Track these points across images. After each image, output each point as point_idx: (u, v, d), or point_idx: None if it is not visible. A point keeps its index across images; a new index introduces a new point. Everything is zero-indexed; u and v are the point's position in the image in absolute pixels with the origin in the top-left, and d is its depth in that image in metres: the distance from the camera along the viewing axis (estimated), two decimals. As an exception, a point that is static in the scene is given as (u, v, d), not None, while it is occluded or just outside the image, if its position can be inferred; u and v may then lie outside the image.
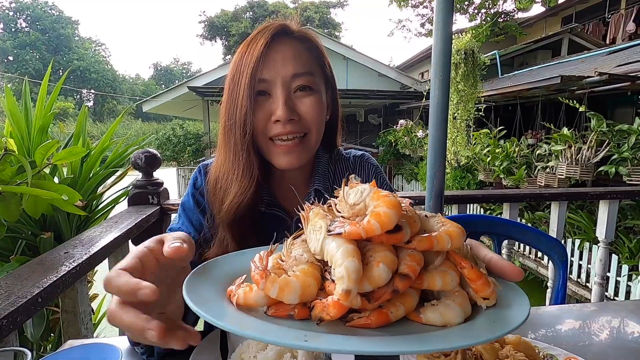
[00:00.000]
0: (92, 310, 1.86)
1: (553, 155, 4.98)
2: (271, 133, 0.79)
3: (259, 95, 0.78)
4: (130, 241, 1.59)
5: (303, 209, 0.50)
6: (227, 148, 0.81)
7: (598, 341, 0.78)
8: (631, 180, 4.16)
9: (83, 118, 1.88)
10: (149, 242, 0.50)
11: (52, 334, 1.57)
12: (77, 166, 1.77)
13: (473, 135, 6.48)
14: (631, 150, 4.14)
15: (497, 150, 5.84)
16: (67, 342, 0.77)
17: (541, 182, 5.11)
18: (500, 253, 1.42)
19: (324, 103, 0.84)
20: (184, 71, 58.08)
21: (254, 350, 0.62)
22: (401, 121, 9.72)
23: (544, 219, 5.24)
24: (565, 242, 4.64)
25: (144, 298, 0.41)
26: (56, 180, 1.71)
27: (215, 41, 37.72)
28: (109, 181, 1.93)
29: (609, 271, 3.96)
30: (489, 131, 6.26)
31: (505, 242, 2.13)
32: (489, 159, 5.99)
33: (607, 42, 10.46)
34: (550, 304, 1.74)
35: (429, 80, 1.77)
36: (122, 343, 0.77)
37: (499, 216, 2.28)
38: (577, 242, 4.53)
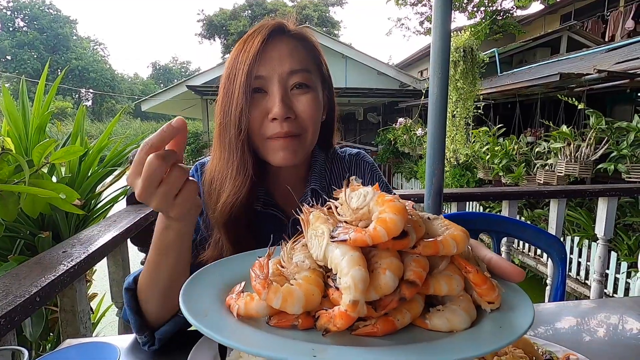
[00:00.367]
0: (91, 309, 1.86)
1: (552, 152, 4.99)
2: (268, 133, 0.78)
3: (255, 92, 0.77)
4: (129, 240, 1.59)
5: (301, 211, 0.49)
6: (222, 147, 0.80)
7: (597, 338, 0.78)
8: (630, 178, 4.17)
9: (81, 117, 1.88)
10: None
11: (51, 334, 1.57)
12: (75, 165, 1.77)
13: (472, 133, 6.48)
14: (630, 148, 4.14)
15: (496, 148, 5.85)
16: (66, 341, 0.77)
17: (540, 180, 5.12)
18: (499, 251, 1.42)
19: (320, 101, 0.84)
20: (183, 70, 57.98)
21: (253, 349, 0.62)
22: (400, 119, 9.71)
23: (543, 217, 5.25)
24: (564, 239, 4.65)
25: (173, 124, 0.52)
26: (54, 179, 1.71)
27: (214, 40, 37.64)
28: (108, 180, 1.92)
29: (608, 268, 3.97)
30: (488, 129, 6.26)
31: (505, 239, 2.13)
32: (488, 156, 5.99)
33: (606, 39, 10.45)
34: (549, 301, 1.74)
35: (428, 78, 1.77)
36: (121, 342, 0.76)
37: (498, 214, 2.29)
38: (577, 239, 4.53)
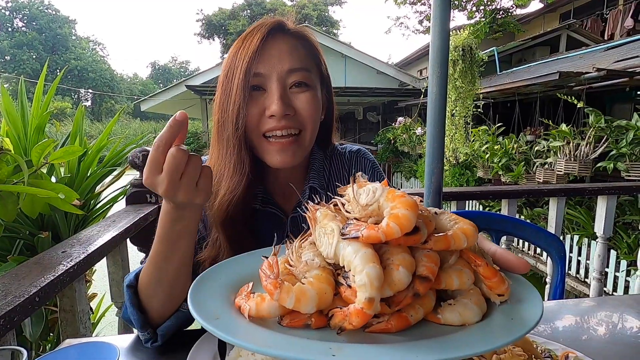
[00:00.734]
0: (91, 309, 1.86)
1: (551, 151, 4.99)
2: (265, 128, 0.77)
3: (254, 90, 0.77)
4: (128, 240, 1.59)
5: (302, 210, 0.49)
6: (219, 144, 0.80)
7: (596, 336, 0.78)
8: (629, 176, 4.17)
9: (80, 117, 1.88)
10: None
11: (51, 334, 1.57)
12: (74, 165, 1.77)
13: (471, 132, 6.48)
14: (629, 146, 4.14)
15: (495, 147, 5.85)
16: (65, 341, 0.77)
17: (540, 179, 5.12)
18: (498, 249, 1.42)
19: (319, 100, 0.83)
20: (182, 70, 57.93)
21: (253, 347, 0.62)
22: (400, 119, 9.72)
23: (543, 215, 5.25)
24: (564, 238, 4.65)
25: (177, 118, 0.54)
26: (53, 179, 1.70)
27: (213, 40, 37.58)
28: (107, 180, 1.92)
29: (607, 266, 3.97)
30: (487, 128, 6.26)
31: (504, 238, 2.13)
32: (487, 155, 5.99)
33: (605, 38, 10.45)
34: (548, 299, 1.74)
35: (428, 77, 1.76)
36: (121, 342, 0.76)
37: (497, 212, 2.29)
38: (576, 238, 4.54)
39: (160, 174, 0.55)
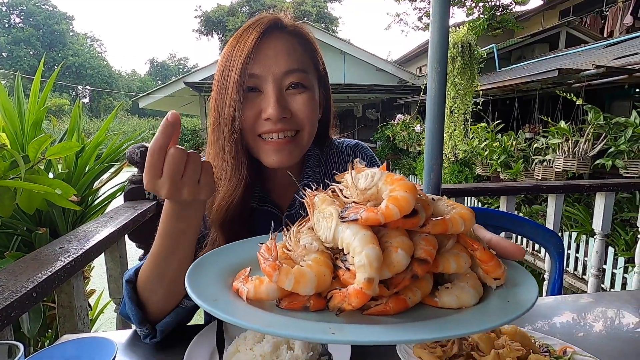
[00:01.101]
0: (89, 305, 1.86)
1: (550, 148, 4.99)
2: (261, 130, 0.76)
3: (249, 91, 0.76)
4: (126, 236, 1.58)
5: (303, 196, 0.49)
6: (216, 146, 0.79)
7: (594, 331, 0.78)
8: (627, 173, 4.18)
9: (77, 113, 1.87)
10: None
11: (49, 330, 1.57)
12: (71, 161, 1.76)
13: (471, 129, 6.48)
14: (628, 143, 4.15)
15: (494, 144, 5.85)
16: (63, 337, 0.77)
17: (538, 176, 5.13)
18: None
19: (316, 100, 0.82)
20: (181, 67, 57.71)
21: (251, 342, 0.62)
22: (399, 115, 9.70)
23: (541, 212, 5.27)
24: (562, 234, 4.66)
25: (170, 120, 0.53)
26: (51, 175, 1.70)
27: (212, 36, 37.40)
28: (105, 176, 1.92)
29: (605, 263, 3.98)
30: (486, 125, 6.26)
31: (502, 234, 2.14)
32: (486, 152, 5.99)
33: (605, 35, 10.44)
34: (546, 296, 1.75)
35: (427, 74, 1.76)
36: (118, 337, 0.76)
37: (496, 209, 2.29)
38: (574, 234, 4.55)
39: (160, 177, 0.55)
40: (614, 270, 4.01)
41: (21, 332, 1.31)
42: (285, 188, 0.89)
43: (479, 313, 0.40)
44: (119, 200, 1.86)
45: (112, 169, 1.95)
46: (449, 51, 5.91)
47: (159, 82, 49.07)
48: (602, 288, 4.04)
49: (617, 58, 5.84)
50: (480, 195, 4.17)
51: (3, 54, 39.84)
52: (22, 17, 42.13)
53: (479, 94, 6.58)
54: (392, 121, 10.06)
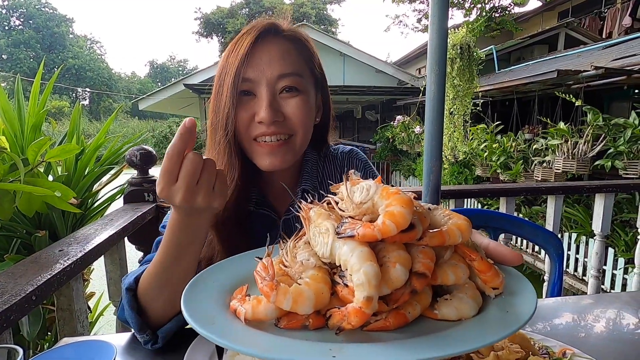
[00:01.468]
0: (89, 308, 1.85)
1: (550, 149, 4.99)
2: (254, 133, 0.77)
3: (244, 95, 0.77)
4: (126, 239, 1.59)
5: (299, 208, 0.48)
6: (212, 148, 0.80)
7: (594, 333, 0.78)
8: (627, 174, 4.18)
9: (77, 115, 1.87)
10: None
11: (49, 333, 1.56)
12: (71, 164, 1.76)
13: (470, 130, 6.48)
14: (627, 144, 4.15)
15: (494, 146, 5.85)
16: (62, 340, 0.77)
17: (538, 177, 5.13)
18: (496, 247, 1.42)
19: (311, 104, 0.82)
20: (180, 69, 57.79)
21: (250, 345, 0.62)
22: (398, 117, 9.71)
23: (541, 214, 5.26)
24: (562, 236, 4.66)
25: (188, 125, 0.53)
26: (50, 178, 1.70)
27: (212, 38, 37.47)
28: (105, 179, 1.92)
29: (605, 264, 3.98)
30: (486, 126, 6.27)
31: (502, 236, 2.14)
32: (486, 154, 6.00)
33: (604, 36, 10.46)
34: (546, 297, 1.74)
35: (426, 75, 1.76)
36: (118, 340, 0.76)
37: (496, 210, 2.29)
38: (574, 235, 4.55)
39: (175, 183, 0.55)
40: (614, 271, 4.01)
41: (21, 335, 1.31)
42: (282, 192, 0.89)
43: (479, 327, 0.40)
44: (119, 203, 1.86)
45: (112, 172, 1.95)
46: (448, 53, 5.92)
47: (159, 84, 49.15)
48: (602, 289, 4.04)
49: (616, 59, 5.85)
50: (480, 197, 4.16)
51: (3, 56, 39.90)
52: (22, 20, 42.21)
53: (478, 95, 6.58)
54: (392, 122, 10.06)
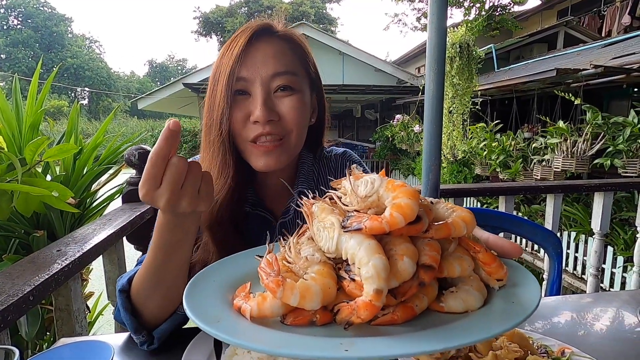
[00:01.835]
0: (88, 308, 1.85)
1: (549, 148, 5.00)
2: (251, 135, 0.77)
3: (239, 94, 0.76)
4: (124, 238, 1.58)
5: (300, 205, 0.48)
6: (206, 148, 0.80)
7: (593, 332, 0.78)
8: (626, 172, 4.18)
9: (75, 115, 1.86)
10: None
11: (47, 333, 1.56)
12: (69, 163, 1.75)
13: (469, 129, 6.48)
14: (626, 143, 4.15)
15: (493, 144, 5.85)
16: (60, 340, 0.77)
17: (537, 176, 5.13)
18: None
19: (306, 104, 0.82)
20: (179, 68, 57.73)
21: (248, 345, 0.61)
22: (398, 116, 9.71)
23: (540, 212, 5.27)
24: (561, 234, 4.67)
25: (172, 127, 0.51)
26: (49, 177, 1.69)
27: (211, 37, 37.41)
28: (103, 178, 1.91)
29: (604, 263, 3.99)
30: (485, 125, 6.26)
31: (501, 235, 2.14)
32: (485, 152, 6.00)
33: (603, 34, 10.45)
34: (545, 296, 1.75)
35: (425, 74, 1.76)
36: (115, 340, 0.76)
37: (495, 209, 2.29)
38: (573, 234, 4.55)
39: (158, 188, 0.53)
40: (613, 270, 4.02)
41: (19, 335, 1.31)
42: (278, 194, 0.89)
43: (485, 317, 0.40)
44: (117, 202, 1.86)
45: (111, 171, 1.95)
46: (447, 51, 5.92)
47: (158, 83, 49.06)
48: (602, 287, 4.04)
49: (615, 58, 5.85)
50: (479, 196, 4.17)
51: (1, 55, 39.82)
52: (20, 19, 42.11)
53: (477, 94, 6.58)
54: (391, 121, 10.06)
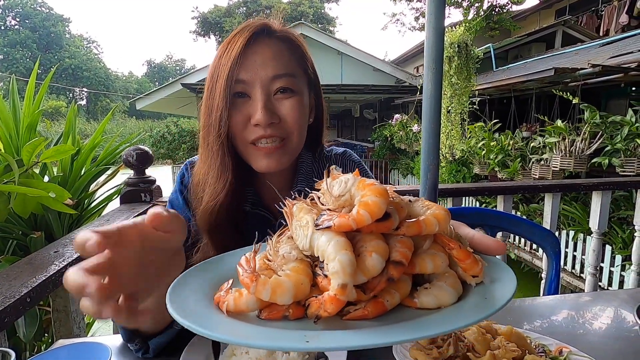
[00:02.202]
0: (86, 309, 1.84)
1: (547, 147, 5.00)
2: (251, 138, 0.76)
3: (238, 97, 0.76)
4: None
5: (283, 205, 0.49)
6: (205, 149, 0.79)
7: (591, 330, 0.78)
8: (624, 172, 4.19)
9: (72, 116, 1.86)
10: (136, 218, 0.44)
11: (45, 334, 1.56)
12: (67, 164, 1.75)
13: (468, 128, 6.49)
14: (624, 142, 4.16)
15: (491, 144, 5.86)
16: (58, 342, 0.76)
17: (536, 175, 5.14)
18: (494, 245, 1.42)
19: (305, 105, 0.82)
20: (178, 68, 57.63)
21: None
22: (396, 115, 9.71)
23: (539, 211, 5.28)
24: (559, 233, 4.68)
25: (89, 247, 0.37)
26: (46, 179, 1.69)
27: (209, 37, 37.35)
28: (101, 179, 1.91)
29: (602, 261, 4.00)
30: (483, 124, 6.27)
31: (499, 234, 2.14)
32: (483, 152, 6.01)
33: (601, 34, 10.47)
34: (544, 295, 1.75)
35: (423, 74, 1.76)
36: (113, 341, 0.76)
37: (494, 209, 2.29)
38: (571, 233, 4.56)
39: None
40: (612, 269, 4.03)
41: (17, 337, 1.30)
42: (279, 193, 0.89)
43: (455, 311, 0.40)
44: (116, 203, 1.85)
45: (109, 172, 1.94)
46: (446, 51, 5.92)
47: (157, 83, 48.99)
48: (600, 286, 4.05)
49: (613, 57, 5.87)
50: (478, 195, 4.16)
51: (-1, 56, 39.74)
52: (18, 19, 41.99)
53: (475, 93, 6.59)
54: (390, 121, 10.06)
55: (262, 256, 0.47)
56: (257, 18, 0.82)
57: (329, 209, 0.44)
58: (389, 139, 10.16)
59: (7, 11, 41.41)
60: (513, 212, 4.68)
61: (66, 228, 1.71)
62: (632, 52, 5.59)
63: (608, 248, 4.04)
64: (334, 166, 0.50)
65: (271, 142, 0.77)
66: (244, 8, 35.30)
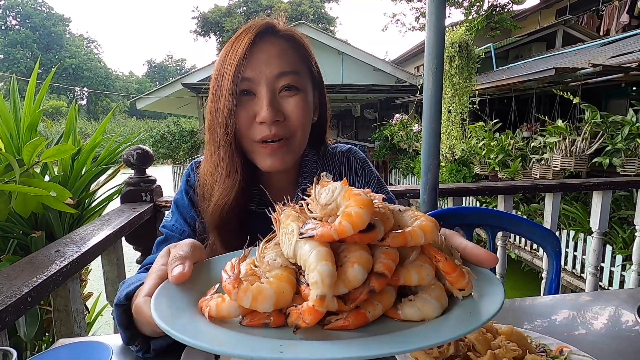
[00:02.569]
0: (87, 308, 1.85)
1: (548, 147, 5.00)
2: (257, 137, 0.77)
3: (243, 95, 0.77)
4: (123, 239, 1.58)
5: (273, 210, 0.49)
6: (212, 148, 0.80)
7: (592, 330, 0.78)
8: (624, 171, 4.18)
9: (73, 115, 1.86)
10: (163, 259, 0.52)
11: (46, 334, 1.56)
12: (68, 164, 1.75)
13: (468, 128, 6.48)
14: (624, 142, 4.16)
15: (492, 143, 5.85)
16: (59, 341, 0.76)
17: (536, 174, 5.14)
18: (494, 244, 1.42)
19: (310, 103, 0.83)
20: (178, 68, 57.63)
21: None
22: (397, 115, 9.71)
23: (539, 211, 5.28)
24: (560, 233, 4.67)
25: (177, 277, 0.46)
26: (47, 178, 1.69)
27: (209, 37, 37.35)
28: (102, 179, 1.91)
29: (603, 261, 4.00)
30: (484, 124, 6.27)
31: (500, 234, 2.14)
32: (484, 152, 6.00)
33: (601, 33, 10.46)
34: (544, 295, 1.75)
35: (423, 74, 1.76)
36: (114, 340, 0.76)
37: (494, 208, 2.29)
38: (572, 233, 4.56)
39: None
40: (612, 268, 4.03)
41: (18, 336, 1.30)
42: (283, 192, 0.89)
43: (437, 325, 0.40)
44: (116, 203, 1.86)
45: (109, 171, 1.94)
46: (447, 51, 5.92)
47: (157, 83, 48.98)
48: (600, 286, 4.05)
49: (614, 56, 5.86)
50: (478, 195, 4.15)
51: (0, 56, 39.71)
52: (18, 19, 42.01)
53: (476, 93, 6.58)
54: (390, 121, 10.06)
55: (250, 262, 0.47)
56: (260, 18, 0.82)
57: (315, 218, 0.44)
58: (389, 138, 10.16)
59: (7, 11, 41.43)
60: (513, 212, 4.67)
61: (67, 227, 1.71)
62: (632, 52, 5.58)
63: (609, 248, 4.04)
64: (324, 173, 0.50)
65: (276, 140, 0.77)
66: (244, 8, 35.28)
